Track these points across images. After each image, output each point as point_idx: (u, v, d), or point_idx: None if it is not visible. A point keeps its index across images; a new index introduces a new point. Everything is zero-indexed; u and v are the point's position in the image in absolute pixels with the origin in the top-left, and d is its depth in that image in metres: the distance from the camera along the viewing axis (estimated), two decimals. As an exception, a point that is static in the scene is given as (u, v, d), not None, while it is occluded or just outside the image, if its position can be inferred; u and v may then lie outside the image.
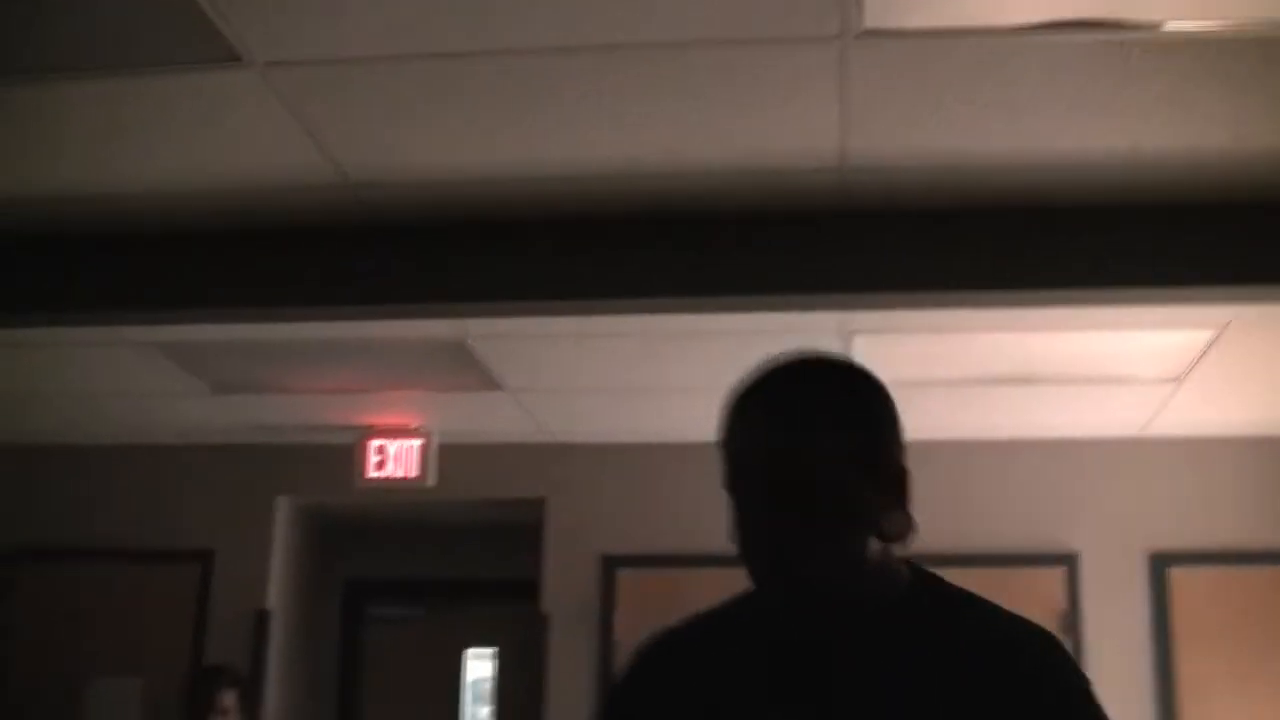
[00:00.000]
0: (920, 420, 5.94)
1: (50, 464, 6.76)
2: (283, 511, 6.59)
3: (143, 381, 5.71)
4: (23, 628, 6.63)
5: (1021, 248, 3.87)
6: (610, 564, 6.18)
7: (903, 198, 3.84)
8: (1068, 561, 6.02)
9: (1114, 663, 5.74)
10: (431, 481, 6.09)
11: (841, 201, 3.87)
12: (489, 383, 5.49)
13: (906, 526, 1.62)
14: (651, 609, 6.08)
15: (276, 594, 6.51)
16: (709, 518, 5.99)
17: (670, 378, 5.40)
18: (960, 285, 3.92)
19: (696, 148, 3.60)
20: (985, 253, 3.89)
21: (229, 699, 4.91)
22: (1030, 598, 5.91)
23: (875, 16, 2.93)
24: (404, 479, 6.07)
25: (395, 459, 6.07)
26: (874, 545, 1.60)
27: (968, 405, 5.62)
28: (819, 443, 1.58)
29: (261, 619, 6.40)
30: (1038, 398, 5.52)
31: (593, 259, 4.07)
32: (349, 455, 6.14)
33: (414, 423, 6.06)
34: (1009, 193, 3.78)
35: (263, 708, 6.25)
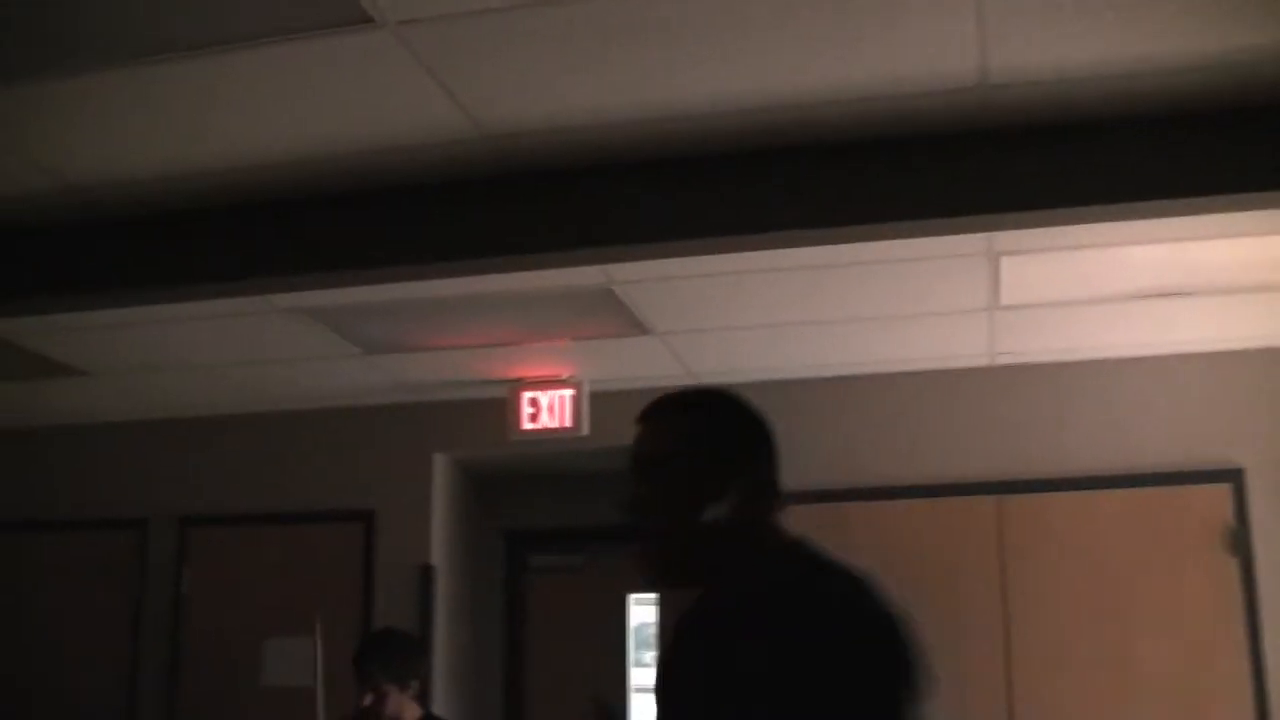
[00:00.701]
0: (1073, 340, 5.87)
1: (215, 434, 6.99)
2: (440, 468, 6.70)
3: (296, 347, 5.83)
4: (203, 591, 6.89)
5: (1170, 155, 3.76)
6: (768, 502, 6.15)
7: (1042, 112, 3.74)
8: (1233, 477, 5.87)
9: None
10: (584, 430, 6.13)
11: (982, 119, 3.79)
12: (637, 327, 5.50)
13: None
14: (819, 541, 6.07)
15: (439, 549, 6.64)
16: (864, 451, 6.06)
17: (821, 311, 5.34)
18: (1102, 199, 3.82)
19: (837, 73, 3.54)
20: (1127, 163, 3.79)
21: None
22: (1192, 516, 5.81)
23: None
24: (557, 429, 6.12)
25: (548, 410, 6.12)
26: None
27: (1118, 322, 5.48)
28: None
29: (426, 574, 6.53)
30: (1189, 310, 5.36)
31: (737, 194, 4.02)
32: (502, 409, 6.20)
33: (564, 373, 6.10)
34: (1149, 98, 3.67)
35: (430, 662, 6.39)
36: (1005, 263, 4.74)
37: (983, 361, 6.01)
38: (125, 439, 7.16)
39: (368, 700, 4.60)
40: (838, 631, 1.85)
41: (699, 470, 2.08)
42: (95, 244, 4.50)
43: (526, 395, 6.15)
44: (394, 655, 4.70)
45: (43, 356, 5.96)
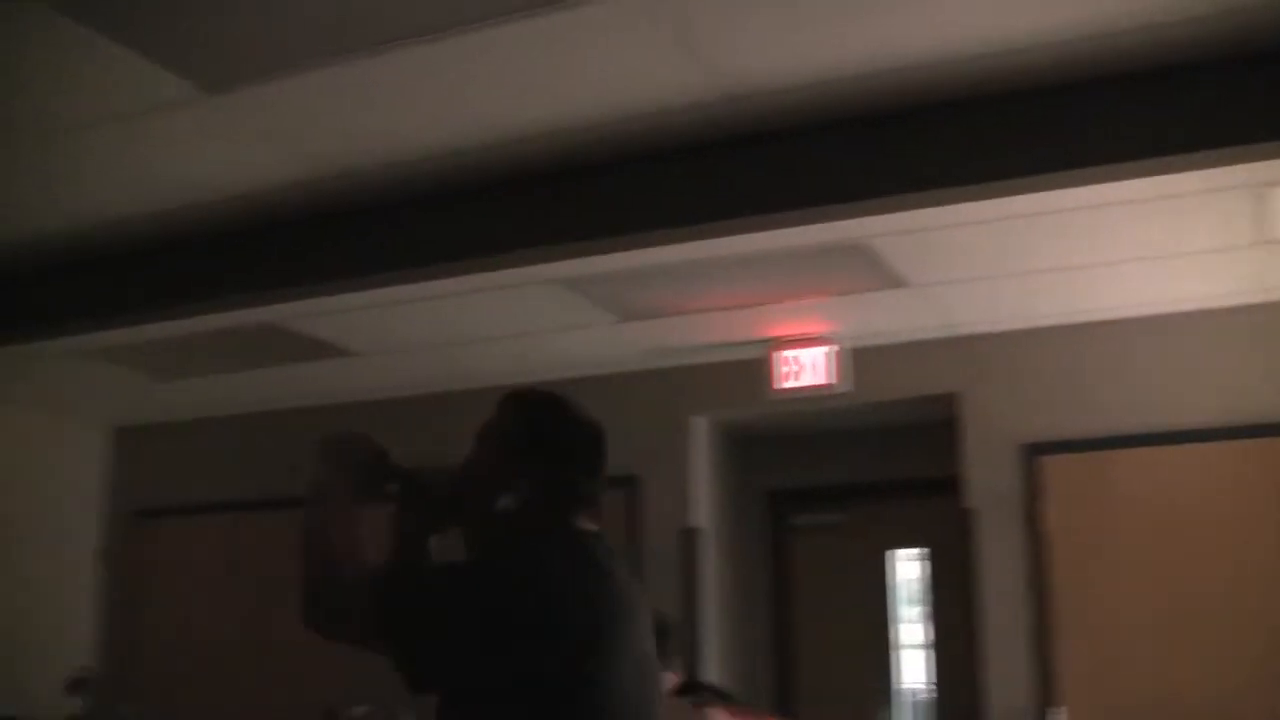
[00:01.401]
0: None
1: (474, 407, 7.14)
2: (699, 430, 6.72)
3: (553, 318, 5.93)
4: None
5: None
6: (1032, 452, 5.99)
7: None
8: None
9: None
10: (843, 387, 6.05)
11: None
12: (893, 281, 5.39)
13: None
14: (1078, 495, 5.91)
15: (702, 511, 6.67)
16: (1131, 397, 5.82)
17: (1078, 255, 5.15)
18: None
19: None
20: None
21: None
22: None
23: None
24: (815, 387, 6.06)
25: (805, 368, 6.07)
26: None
27: None
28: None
29: (690, 537, 6.57)
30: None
31: (989, 138, 3.93)
32: (759, 369, 6.17)
33: (820, 329, 6.03)
34: None
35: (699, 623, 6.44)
36: (1274, 194, 4.48)
37: (1255, 298, 5.68)
38: (387, 416, 7.39)
39: None
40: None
41: (497, 461, 2.36)
42: (369, 226, 4.66)
43: (783, 354, 6.11)
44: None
45: (313, 339, 6.21)
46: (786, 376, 6.10)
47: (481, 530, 2.36)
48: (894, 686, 7.07)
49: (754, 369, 6.21)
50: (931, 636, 6.97)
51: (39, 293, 5.53)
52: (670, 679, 4.62)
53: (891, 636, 7.12)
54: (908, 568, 7.20)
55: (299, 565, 2.27)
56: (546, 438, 2.40)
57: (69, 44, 3.56)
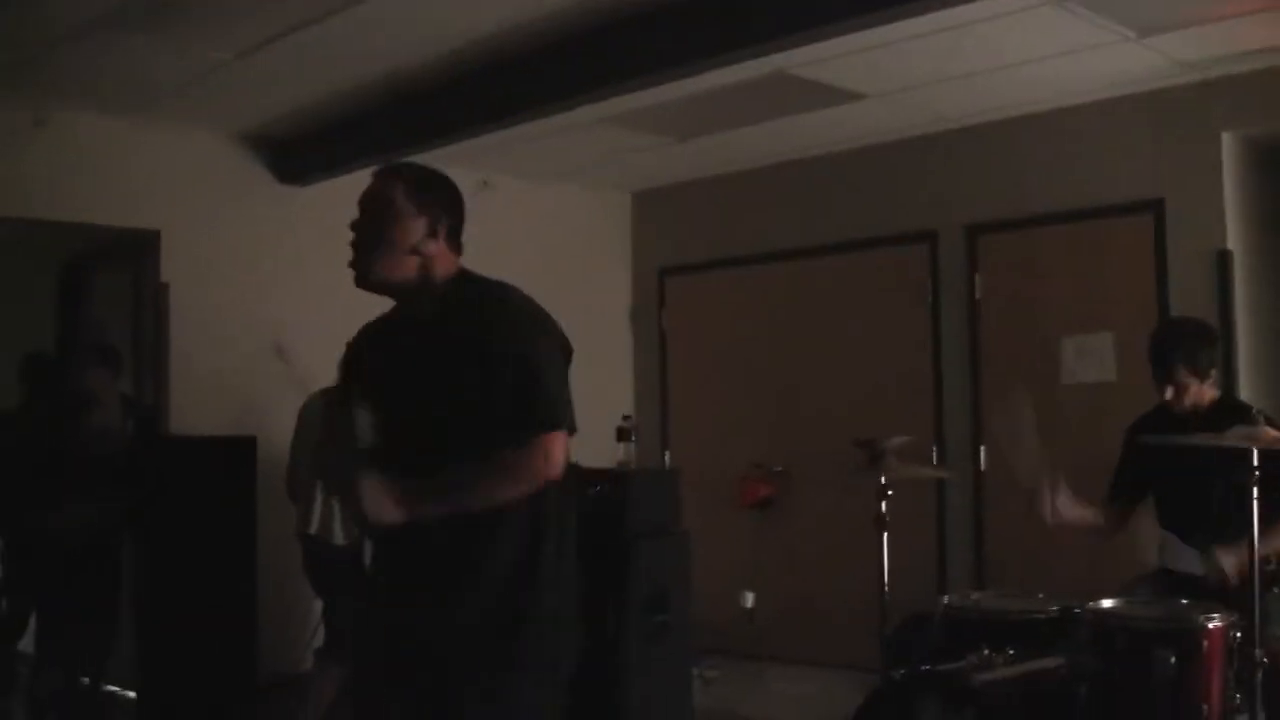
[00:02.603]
0: None
1: (993, 140, 7.07)
2: (1229, 146, 6.31)
3: (1066, 40, 5.72)
4: (996, 295, 7.09)
5: None
6: None
7: None
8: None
9: None
10: None
11: None
12: None
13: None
14: None
15: (1234, 233, 6.31)
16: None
17: None
18: None
19: None
20: None
21: None
22: None
23: None
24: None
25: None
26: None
27: None
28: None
29: (1222, 260, 6.26)
30: None
31: None
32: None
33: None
34: None
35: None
36: None
37: None
38: (906, 156, 7.43)
39: (1168, 394, 4.53)
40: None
41: (409, 218, 2.97)
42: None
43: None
44: (1193, 345, 4.58)
45: (822, 85, 6.28)
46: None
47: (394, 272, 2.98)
48: None
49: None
50: None
51: (552, 66, 5.81)
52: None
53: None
54: None
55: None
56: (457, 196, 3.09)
57: None
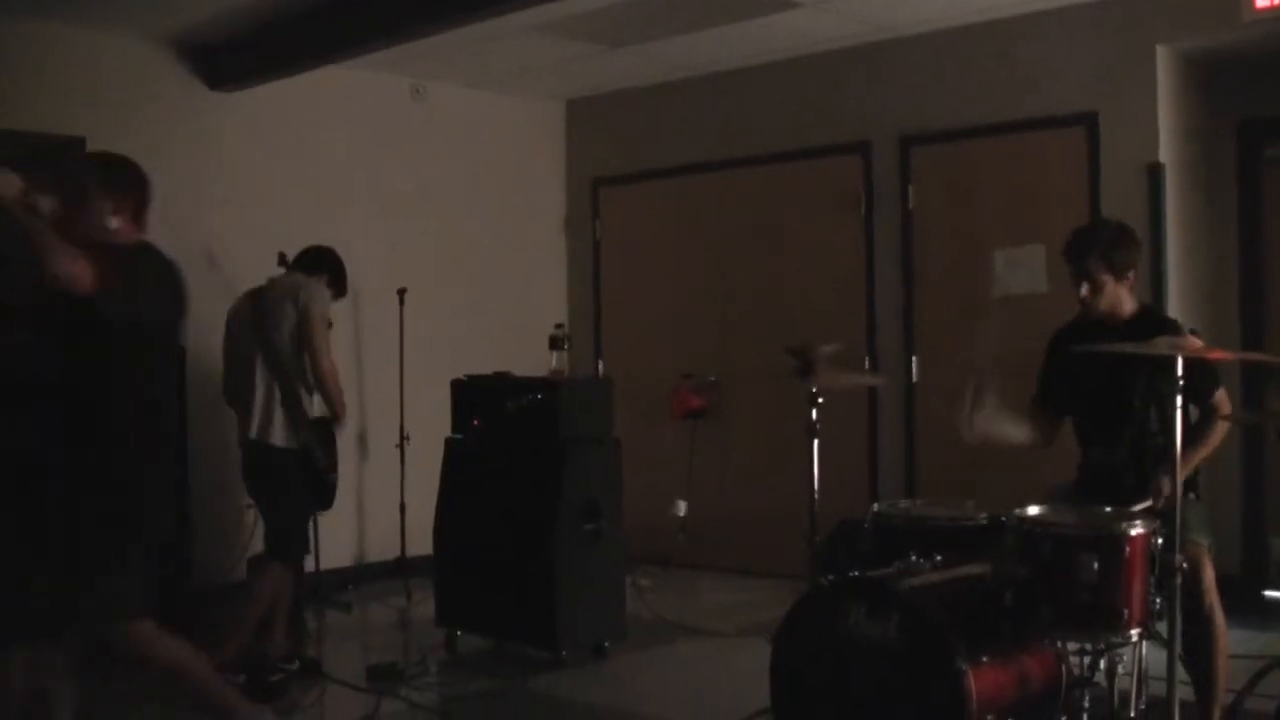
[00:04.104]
0: None
1: (927, 51, 7.06)
2: (1164, 59, 6.32)
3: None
4: (930, 206, 7.11)
5: None
6: None
7: None
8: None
9: None
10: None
11: None
12: None
13: None
14: None
15: (1166, 146, 6.35)
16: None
17: None
18: None
19: None
20: None
21: None
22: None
23: None
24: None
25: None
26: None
27: None
28: None
29: (1153, 173, 6.30)
30: None
31: None
32: (1231, -12, 5.74)
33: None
34: None
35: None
36: None
37: None
38: (840, 67, 7.40)
39: (1085, 292, 4.43)
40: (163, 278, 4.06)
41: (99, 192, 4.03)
42: None
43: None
44: (1110, 242, 4.52)
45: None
46: (1267, -5, 5.62)
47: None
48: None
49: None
50: None
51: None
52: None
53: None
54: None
55: None
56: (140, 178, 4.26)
57: None
